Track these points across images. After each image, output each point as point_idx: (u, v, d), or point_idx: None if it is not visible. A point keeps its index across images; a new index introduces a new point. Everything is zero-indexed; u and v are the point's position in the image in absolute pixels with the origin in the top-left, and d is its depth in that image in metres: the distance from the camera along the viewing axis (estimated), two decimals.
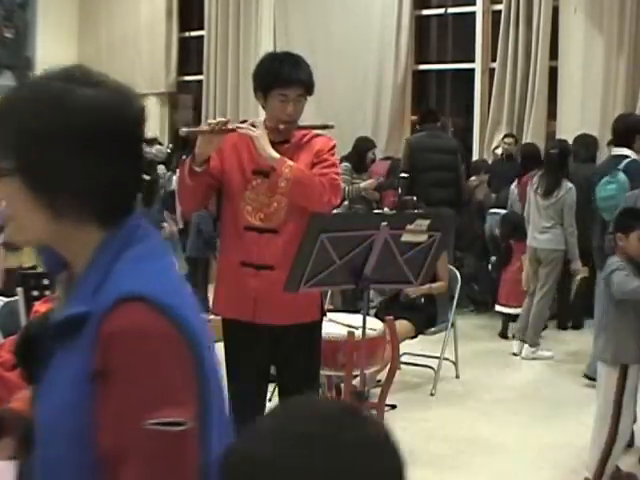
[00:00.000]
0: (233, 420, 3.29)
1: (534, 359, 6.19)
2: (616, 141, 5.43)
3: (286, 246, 2.81)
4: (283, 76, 2.88)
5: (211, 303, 3.15)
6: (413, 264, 2.82)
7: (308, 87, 2.93)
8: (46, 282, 2.80)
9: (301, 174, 2.84)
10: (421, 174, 6.70)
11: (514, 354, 6.32)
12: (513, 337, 6.75)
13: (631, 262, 3.71)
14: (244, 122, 2.95)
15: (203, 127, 2.94)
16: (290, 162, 2.85)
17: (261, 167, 2.90)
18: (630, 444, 4.25)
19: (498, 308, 6.68)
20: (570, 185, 6.17)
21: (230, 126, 2.87)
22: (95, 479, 1.17)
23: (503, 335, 6.91)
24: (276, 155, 2.85)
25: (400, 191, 6.66)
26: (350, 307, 6.20)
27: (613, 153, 5.44)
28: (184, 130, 3.08)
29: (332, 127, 3.01)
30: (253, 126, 2.88)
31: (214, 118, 2.89)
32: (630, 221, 3.78)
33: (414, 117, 9.36)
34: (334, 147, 3.04)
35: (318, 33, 10.56)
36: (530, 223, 6.26)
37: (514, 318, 6.65)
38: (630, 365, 3.66)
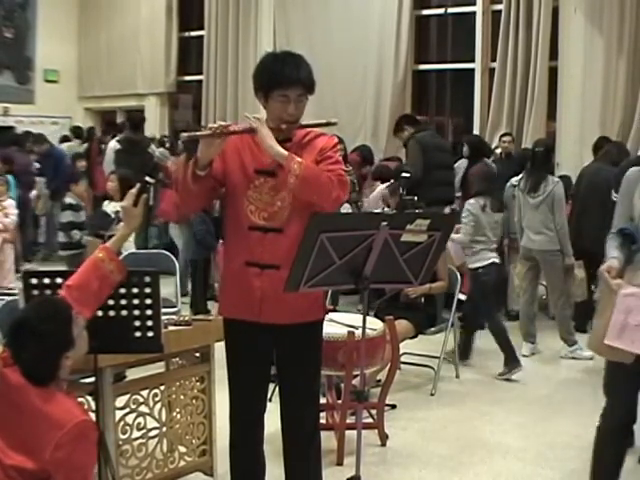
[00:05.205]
0: (234, 419, 3.28)
1: (573, 358, 6.18)
2: None
3: (291, 245, 2.78)
4: (284, 77, 2.86)
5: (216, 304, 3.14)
6: (413, 264, 2.81)
7: (309, 87, 2.92)
8: (47, 281, 2.79)
9: (310, 171, 2.82)
10: (431, 172, 6.66)
11: (523, 355, 6.31)
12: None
13: None
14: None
15: (204, 131, 2.91)
16: (298, 158, 2.83)
17: (264, 167, 2.89)
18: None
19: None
20: (557, 179, 6.33)
21: (232, 128, 2.86)
22: None
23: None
24: (284, 152, 2.83)
25: (402, 191, 6.63)
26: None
27: None
28: (185, 135, 3.06)
29: (335, 124, 2.98)
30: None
31: (214, 118, 2.85)
32: None
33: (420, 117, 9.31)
34: (337, 144, 3.03)
35: (318, 33, 10.56)
36: (524, 225, 6.29)
37: None
38: None
